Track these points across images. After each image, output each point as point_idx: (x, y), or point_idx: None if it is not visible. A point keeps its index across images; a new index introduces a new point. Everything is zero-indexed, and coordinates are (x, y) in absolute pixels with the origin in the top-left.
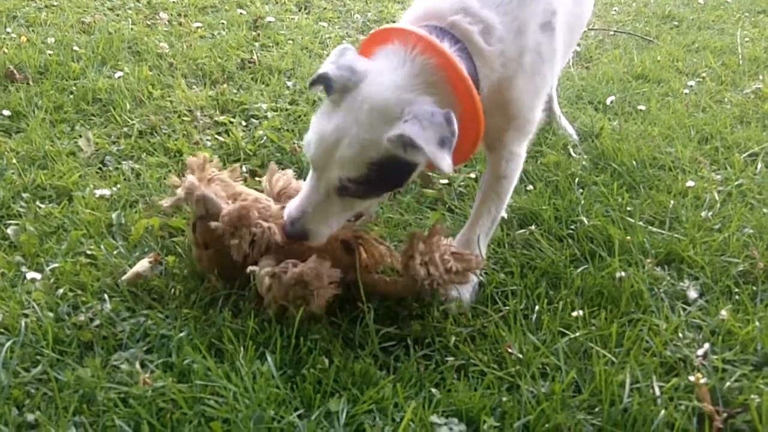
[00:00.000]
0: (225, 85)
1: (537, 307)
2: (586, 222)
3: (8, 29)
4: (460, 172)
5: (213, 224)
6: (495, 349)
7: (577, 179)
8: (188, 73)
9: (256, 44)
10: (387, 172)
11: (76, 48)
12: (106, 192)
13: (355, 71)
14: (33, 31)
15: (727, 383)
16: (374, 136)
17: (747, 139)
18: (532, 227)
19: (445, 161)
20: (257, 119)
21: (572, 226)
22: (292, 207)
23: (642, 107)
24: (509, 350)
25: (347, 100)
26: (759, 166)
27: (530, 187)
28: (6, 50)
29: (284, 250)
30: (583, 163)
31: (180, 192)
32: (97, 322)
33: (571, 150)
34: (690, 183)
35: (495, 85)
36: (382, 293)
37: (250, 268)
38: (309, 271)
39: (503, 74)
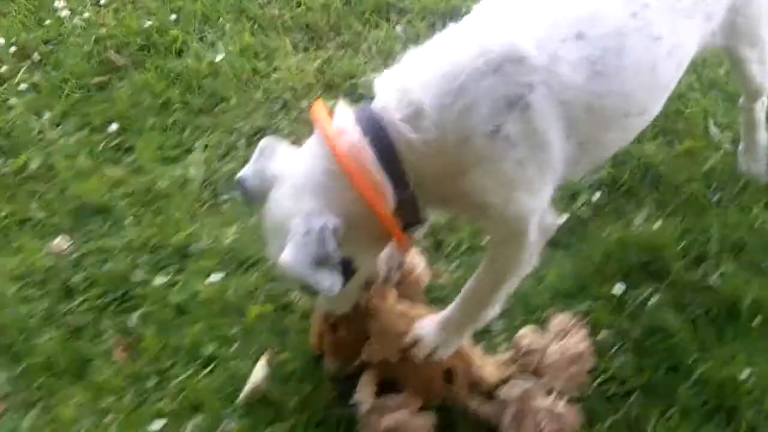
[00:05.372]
0: None
1: None
2: None
3: None
4: None
5: None
6: None
7: None
8: None
9: None
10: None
11: None
12: None
13: (265, 179)
14: None
15: None
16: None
17: None
18: None
19: (324, 282)
20: None
21: None
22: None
23: None
24: None
25: (263, 214)
26: None
27: None
28: None
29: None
30: None
31: None
32: None
33: None
34: None
35: (442, 175)
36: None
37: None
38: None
39: (446, 161)
